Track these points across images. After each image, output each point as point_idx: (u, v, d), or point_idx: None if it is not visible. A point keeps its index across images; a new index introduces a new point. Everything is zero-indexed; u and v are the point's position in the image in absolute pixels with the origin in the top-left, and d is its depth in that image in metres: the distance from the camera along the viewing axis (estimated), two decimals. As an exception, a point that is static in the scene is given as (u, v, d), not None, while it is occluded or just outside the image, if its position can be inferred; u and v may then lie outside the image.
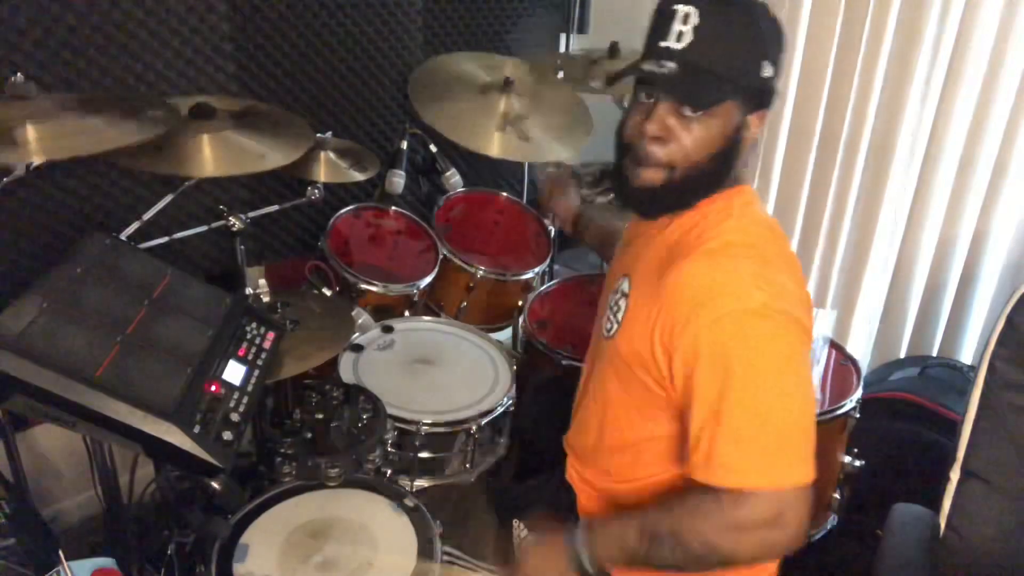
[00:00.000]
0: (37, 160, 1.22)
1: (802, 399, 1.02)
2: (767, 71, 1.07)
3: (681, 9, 1.04)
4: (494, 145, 2.16)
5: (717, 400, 1.00)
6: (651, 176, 1.10)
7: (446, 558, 1.28)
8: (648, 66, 1.06)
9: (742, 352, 1.00)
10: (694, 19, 1.03)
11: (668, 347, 1.06)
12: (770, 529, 0.98)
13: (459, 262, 2.14)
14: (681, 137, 1.07)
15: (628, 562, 1.07)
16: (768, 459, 0.99)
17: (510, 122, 2.16)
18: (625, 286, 1.20)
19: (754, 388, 0.99)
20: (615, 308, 1.21)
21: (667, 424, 1.15)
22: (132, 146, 1.33)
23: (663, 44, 1.05)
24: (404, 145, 2.21)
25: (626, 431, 1.22)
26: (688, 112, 1.06)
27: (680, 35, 1.03)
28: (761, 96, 1.09)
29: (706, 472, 1.01)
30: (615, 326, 1.19)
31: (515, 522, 1.34)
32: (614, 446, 1.25)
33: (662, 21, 1.06)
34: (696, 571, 1.04)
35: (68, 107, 1.36)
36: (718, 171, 1.11)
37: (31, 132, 1.25)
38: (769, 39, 1.07)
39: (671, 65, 1.04)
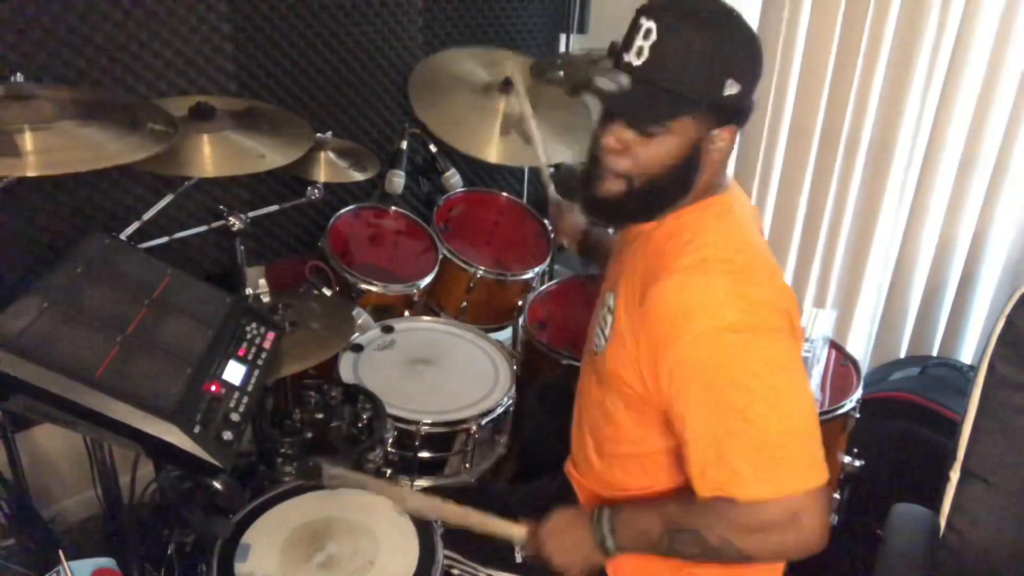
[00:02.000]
0: (35, 174, 1.22)
1: (797, 402, 1.02)
2: (731, 89, 1.05)
3: (644, 24, 1.04)
4: (493, 149, 2.16)
5: (710, 422, 1.01)
6: (611, 187, 1.13)
7: (446, 561, 1.28)
8: (601, 82, 1.07)
9: (723, 369, 1.00)
10: (653, 35, 1.03)
11: (652, 369, 1.08)
12: (787, 532, 0.99)
13: (459, 262, 2.14)
14: (637, 151, 1.09)
15: (649, 550, 1.09)
16: (775, 468, 0.99)
17: (513, 125, 2.15)
18: (611, 301, 1.21)
19: (744, 402, 0.99)
20: (603, 323, 1.22)
21: (661, 439, 1.15)
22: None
23: (624, 58, 1.07)
24: (404, 145, 2.21)
25: (624, 443, 1.22)
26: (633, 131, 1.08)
27: (640, 51, 1.04)
28: (727, 112, 1.08)
29: (715, 490, 1.01)
30: (603, 342, 1.20)
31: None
32: (614, 457, 1.25)
33: (629, 32, 1.07)
34: (717, 562, 1.06)
35: (68, 112, 1.35)
36: (679, 184, 1.12)
37: (29, 142, 1.24)
38: (735, 56, 1.05)
39: (624, 81, 1.06)
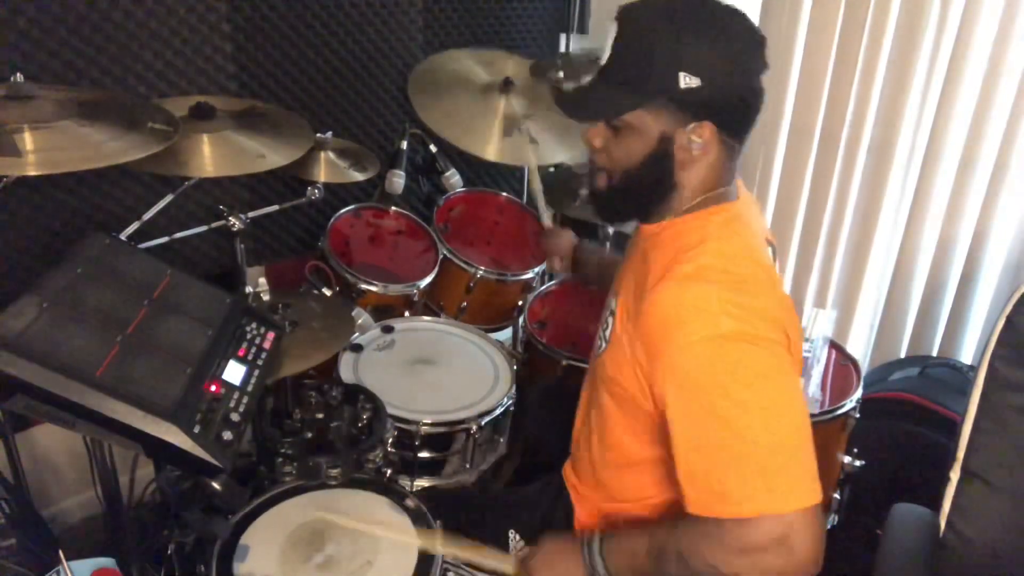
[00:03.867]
0: (35, 173, 1.22)
1: (789, 416, 0.98)
2: (688, 82, 1.03)
3: (612, 26, 1.08)
4: (492, 148, 2.16)
5: (698, 433, 0.99)
6: (599, 181, 1.18)
7: (444, 566, 1.28)
8: (564, 84, 1.10)
9: (715, 379, 0.98)
10: (612, 35, 1.07)
11: (647, 374, 1.07)
12: (775, 554, 0.94)
13: (459, 262, 2.14)
14: (609, 146, 1.13)
15: (638, 575, 1.07)
16: (763, 483, 0.95)
17: (517, 125, 2.15)
18: (613, 304, 1.21)
19: (734, 414, 0.97)
20: (605, 326, 1.23)
21: (653, 448, 1.15)
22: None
23: (601, 62, 1.11)
24: (404, 145, 2.21)
25: (623, 451, 1.22)
26: (587, 125, 1.13)
27: (607, 52, 1.09)
28: (693, 108, 1.06)
29: (702, 507, 0.99)
30: (604, 345, 1.20)
31: (510, 533, 1.34)
32: (612, 464, 1.25)
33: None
34: None
35: (68, 112, 1.35)
36: (655, 180, 1.12)
37: (29, 141, 1.24)
38: (692, 49, 1.04)
39: (584, 80, 1.11)
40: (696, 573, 0.99)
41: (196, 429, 1.09)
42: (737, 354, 0.98)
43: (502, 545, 1.33)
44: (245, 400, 1.21)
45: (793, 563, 0.94)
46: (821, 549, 0.95)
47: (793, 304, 1.11)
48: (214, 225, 1.64)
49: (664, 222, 1.15)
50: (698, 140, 1.08)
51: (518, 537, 1.33)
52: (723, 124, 1.09)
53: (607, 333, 1.20)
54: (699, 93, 1.04)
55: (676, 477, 1.04)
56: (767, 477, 0.95)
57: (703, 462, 0.99)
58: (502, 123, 2.19)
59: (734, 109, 1.09)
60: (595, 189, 1.19)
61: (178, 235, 1.70)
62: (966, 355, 2.23)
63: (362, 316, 1.90)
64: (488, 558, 1.21)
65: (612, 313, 1.20)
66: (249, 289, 1.61)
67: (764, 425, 0.96)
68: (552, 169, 2.41)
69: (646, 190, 1.15)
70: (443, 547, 1.22)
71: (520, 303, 2.18)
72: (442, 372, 1.81)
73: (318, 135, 1.94)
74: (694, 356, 0.99)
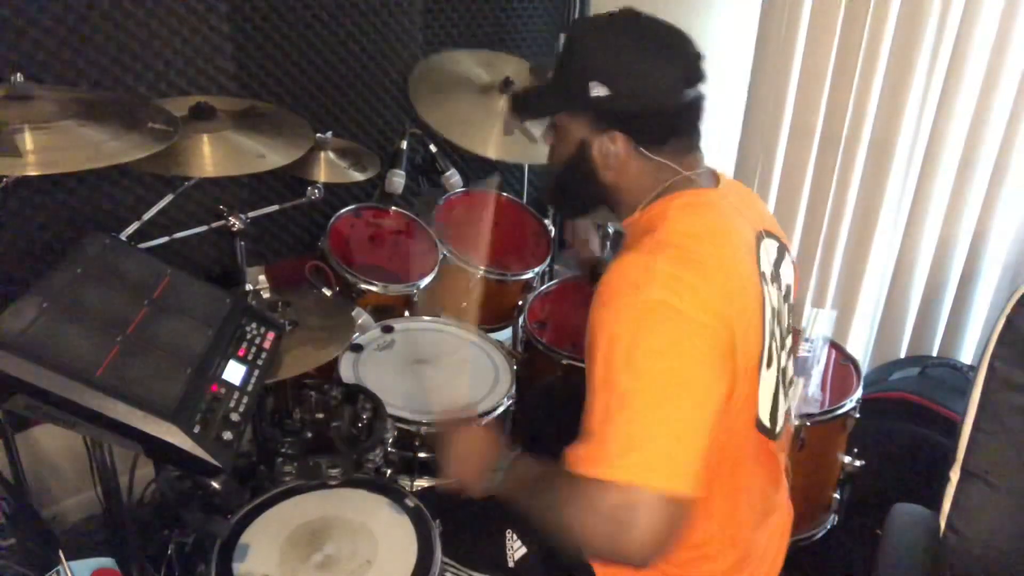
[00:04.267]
0: (35, 173, 1.23)
1: (679, 401, 0.95)
2: (597, 91, 1.09)
3: None
4: (492, 146, 2.16)
5: (593, 382, 0.99)
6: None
7: (444, 566, 1.28)
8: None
9: (625, 338, 0.97)
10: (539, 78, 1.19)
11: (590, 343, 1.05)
12: (619, 526, 0.91)
13: (459, 262, 2.14)
14: (552, 145, 1.22)
15: (514, 501, 1.09)
16: (624, 451, 0.93)
17: (517, 125, 2.16)
18: None
19: (626, 377, 0.95)
20: None
21: None
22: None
23: None
24: (404, 145, 2.21)
25: None
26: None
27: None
28: (605, 116, 1.11)
29: (577, 461, 0.97)
30: None
31: (508, 532, 1.34)
32: None
33: None
34: (553, 533, 1.01)
35: (68, 112, 1.35)
36: (584, 179, 1.18)
37: (29, 141, 1.24)
38: (605, 60, 1.10)
39: (529, 85, 1.22)
40: (553, 524, 1.00)
41: (196, 429, 1.10)
42: (654, 321, 0.97)
43: (500, 545, 1.33)
44: (245, 400, 1.22)
45: (626, 541, 0.91)
46: (662, 542, 0.91)
47: (758, 307, 1.08)
48: (214, 225, 1.64)
49: (635, 215, 1.17)
50: (611, 147, 1.13)
51: (515, 537, 1.33)
52: (635, 134, 1.12)
53: None
54: (608, 103, 1.09)
55: None
56: (634, 450, 0.93)
57: (592, 422, 0.97)
58: (502, 123, 2.19)
59: (646, 121, 1.11)
60: (545, 187, 1.29)
61: (178, 235, 1.70)
62: (966, 355, 2.23)
63: (362, 316, 1.90)
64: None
65: None
66: (249, 288, 1.61)
67: (650, 398, 0.94)
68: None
69: (575, 188, 1.23)
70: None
71: (520, 303, 2.18)
72: (442, 372, 1.81)
73: (318, 135, 1.94)
74: (612, 314, 0.99)
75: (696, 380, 0.97)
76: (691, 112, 1.14)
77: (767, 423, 1.16)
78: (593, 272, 1.73)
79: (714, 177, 1.20)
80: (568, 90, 1.13)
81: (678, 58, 1.11)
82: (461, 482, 1.17)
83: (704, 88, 1.14)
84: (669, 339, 0.97)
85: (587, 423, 0.99)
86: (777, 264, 1.20)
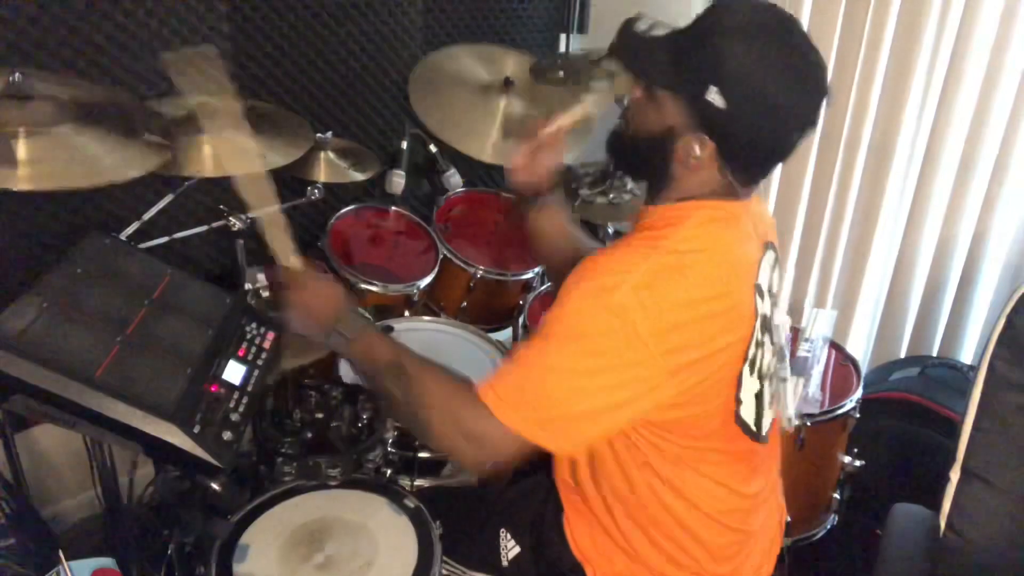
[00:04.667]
0: (26, 187, 1.22)
1: (587, 391, 1.02)
2: (713, 97, 1.01)
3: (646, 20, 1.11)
4: (492, 148, 2.16)
5: (540, 328, 1.06)
6: (620, 123, 1.19)
7: (444, 566, 1.28)
8: (640, 26, 1.11)
9: (568, 315, 1.03)
10: (663, 28, 1.09)
11: None
12: (469, 441, 1.06)
13: (459, 262, 2.14)
14: (634, 105, 1.13)
15: (359, 365, 1.22)
16: (527, 405, 1.03)
17: (517, 125, 2.15)
18: None
19: (552, 347, 1.03)
20: None
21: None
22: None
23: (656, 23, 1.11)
24: (404, 145, 2.21)
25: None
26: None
27: (652, 25, 1.09)
28: (706, 120, 1.03)
29: (483, 384, 1.06)
30: None
31: (502, 531, 1.34)
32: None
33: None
34: (395, 413, 1.18)
35: (65, 115, 1.34)
36: (650, 160, 1.12)
37: (23, 150, 1.24)
38: (737, 70, 1.00)
39: (655, 26, 1.10)
40: (407, 400, 1.11)
41: (196, 429, 1.10)
42: (602, 318, 1.00)
43: (494, 545, 1.33)
44: (245, 400, 1.22)
45: (474, 455, 1.08)
46: (489, 464, 1.09)
47: (745, 322, 1.08)
48: (214, 225, 1.64)
49: (660, 205, 1.14)
50: (697, 150, 1.06)
51: (509, 536, 1.33)
52: (727, 153, 1.06)
53: None
54: (719, 113, 1.02)
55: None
56: (524, 398, 1.03)
57: (517, 350, 1.08)
58: (503, 125, 2.19)
59: (744, 148, 1.06)
60: (615, 128, 1.19)
61: (178, 235, 1.70)
62: (966, 355, 2.24)
63: (362, 316, 1.90)
64: (280, 245, 1.28)
65: None
66: (249, 288, 1.61)
67: (561, 376, 1.02)
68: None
69: (642, 164, 1.19)
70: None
71: (520, 303, 2.18)
72: (442, 372, 1.81)
73: (318, 135, 1.94)
74: (574, 290, 1.03)
75: (606, 373, 1.02)
76: (789, 152, 1.09)
77: (752, 426, 1.16)
78: (522, 201, 1.44)
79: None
80: (687, 77, 1.03)
81: (810, 97, 1.04)
82: (299, 328, 1.23)
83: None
84: (608, 341, 1.00)
85: (513, 354, 1.08)
86: (771, 275, 1.20)
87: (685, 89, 1.04)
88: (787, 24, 1.05)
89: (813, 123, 1.06)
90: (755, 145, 1.07)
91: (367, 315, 1.17)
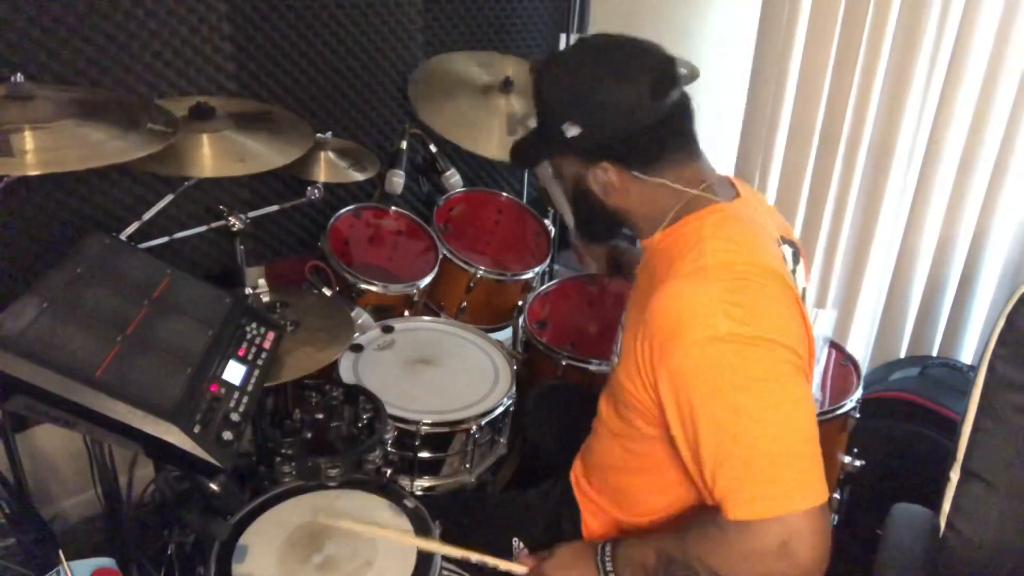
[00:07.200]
0: (34, 172, 1.23)
1: (790, 417, 0.97)
2: (571, 131, 1.10)
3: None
4: (493, 146, 2.16)
5: (698, 436, 0.98)
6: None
7: (443, 567, 1.28)
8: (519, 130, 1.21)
9: (712, 384, 0.97)
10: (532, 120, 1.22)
11: (652, 381, 1.06)
12: (777, 558, 0.93)
13: (459, 262, 2.14)
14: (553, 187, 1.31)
15: None
16: (761, 488, 0.94)
17: (519, 124, 2.15)
18: (623, 318, 1.22)
19: (731, 419, 0.96)
20: (618, 339, 1.23)
21: (664, 459, 1.13)
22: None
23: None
24: (404, 145, 2.21)
25: (627, 463, 1.21)
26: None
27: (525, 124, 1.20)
28: (585, 152, 1.13)
29: (724, 506, 0.98)
30: (616, 359, 1.20)
31: (514, 540, 1.33)
32: (624, 472, 1.24)
33: None
34: None
35: (67, 112, 1.35)
36: (591, 211, 1.20)
37: (28, 141, 1.24)
38: (567, 98, 1.11)
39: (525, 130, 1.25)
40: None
41: (196, 429, 1.10)
42: (733, 357, 0.97)
43: (506, 552, 1.32)
44: (245, 400, 1.22)
45: (796, 567, 0.93)
46: (826, 551, 0.94)
47: (801, 314, 1.08)
48: (214, 225, 1.64)
49: (660, 233, 1.15)
50: (605, 177, 1.13)
51: (522, 545, 1.32)
52: (623, 160, 1.12)
53: (618, 348, 1.20)
54: (583, 138, 1.11)
55: (680, 485, 1.07)
56: (766, 481, 0.94)
57: (710, 470, 0.98)
58: (502, 123, 2.19)
59: (627, 145, 1.11)
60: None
61: (178, 235, 1.70)
62: (966, 355, 2.23)
63: (362, 316, 1.90)
64: (499, 562, 1.21)
65: (623, 327, 1.21)
66: (249, 289, 1.61)
67: (762, 429, 0.95)
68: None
69: (590, 219, 1.24)
70: (452, 550, 1.21)
71: (520, 303, 2.18)
72: (442, 372, 1.81)
73: (318, 135, 1.94)
74: (691, 360, 0.98)
75: (794, 393, 0.99)
76: (673, 121, 1.12)
77: None
78: (610, 266, 1.74)
79: (730, 185, 1.19)
80: (548, 136, 1.15)
81: (638, 73, 1.08)
82: None
83: (679, 92, 1.11)
84: (755, 369, 0.97)
85: (700, 474, 0.99)
86: (792, 271, 1.20)
87: (554, 143, 1.14)
88: (588, 41, 1.17)
89: (666, 85, 1.09)
90: (626, 134, 1.10)
91: (607, 549, 1.13)
